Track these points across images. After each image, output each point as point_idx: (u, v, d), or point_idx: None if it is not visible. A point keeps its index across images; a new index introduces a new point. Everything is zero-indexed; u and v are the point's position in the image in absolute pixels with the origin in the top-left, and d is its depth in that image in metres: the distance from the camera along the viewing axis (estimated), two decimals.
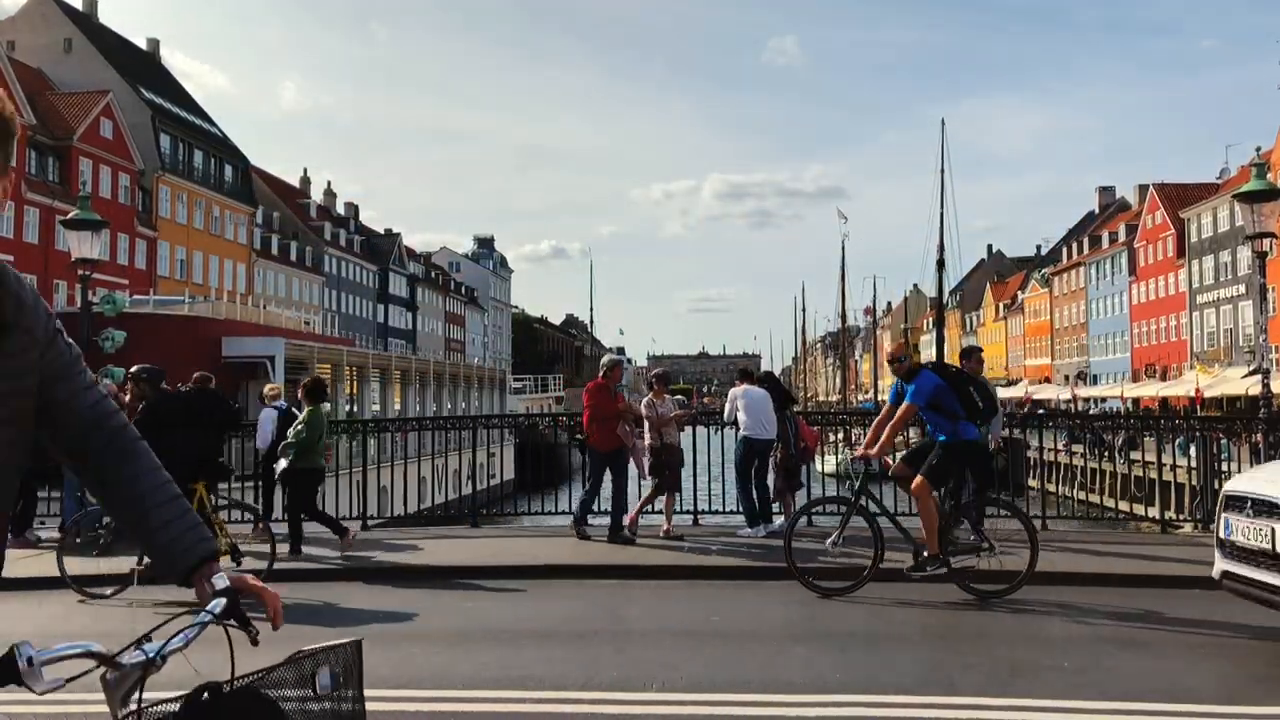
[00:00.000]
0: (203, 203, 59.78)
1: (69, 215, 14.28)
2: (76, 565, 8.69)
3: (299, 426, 10.44)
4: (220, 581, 1.94)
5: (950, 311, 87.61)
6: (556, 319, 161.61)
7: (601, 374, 10.99)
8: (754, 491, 10.90)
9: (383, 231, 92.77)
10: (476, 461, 13.31)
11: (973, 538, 8.09)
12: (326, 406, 11.22)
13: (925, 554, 7.93)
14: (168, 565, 1.94)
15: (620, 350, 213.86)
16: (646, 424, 10.82)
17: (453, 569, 9.48)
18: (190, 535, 1.94)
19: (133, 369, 11.08)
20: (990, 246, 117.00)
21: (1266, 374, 13.67)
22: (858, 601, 7.81)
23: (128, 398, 13.64)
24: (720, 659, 6.26)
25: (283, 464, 10.49)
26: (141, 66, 61.52)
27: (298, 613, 8.02)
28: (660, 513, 10.98)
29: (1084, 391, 60.03)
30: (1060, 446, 29.74)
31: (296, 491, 10.46)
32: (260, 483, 13.27)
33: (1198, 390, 41.84)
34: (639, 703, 5.27)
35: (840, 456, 25.09)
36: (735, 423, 11.20)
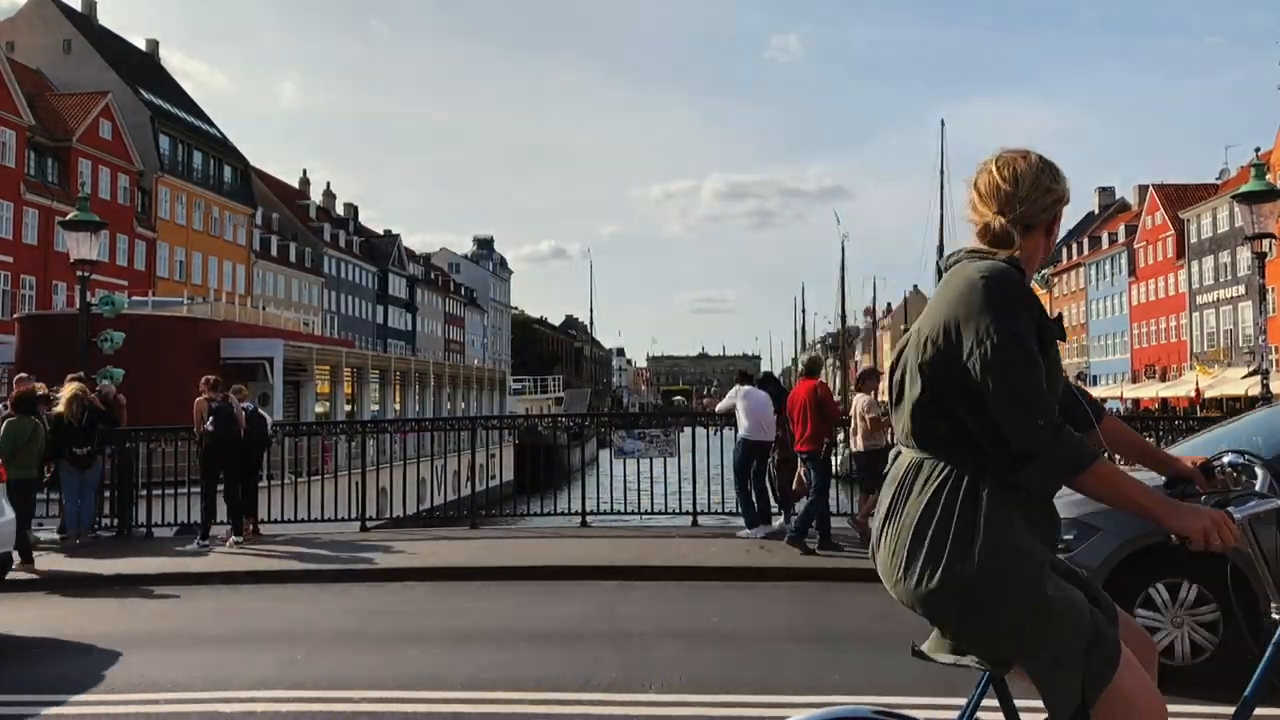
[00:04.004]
0: (202, 204, 59.77)
1: (68, 216, 14.27)
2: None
3: None
4: None
5: None
6: (556, 320, 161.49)
7: (815, 372, 10.51)
8: (753, 493, 10.88)
9: (382, 232, 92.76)
10: (476, 463, 13.31)
11: None
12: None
13: None
14: None
15: (620, 351, 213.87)
16: (865, 425, 10.46)
17: (452, 570, 9.48)
18: None
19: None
20: None
21: (1266, 374, 13.65)
22: (858, 603, 7.83)
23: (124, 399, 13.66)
24: (720, 659, 6.25)
25: None
26: (141, 67, 61.52)
27: (283, 614, 8.00)
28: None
29: None
30: None
31: None
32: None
33: (1197, 390, 41.86)
34: (638, 704, 5.27)
35: (839, 458, 25.09)
36: (734, 424, 11.20)
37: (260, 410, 12.24)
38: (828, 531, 9.93)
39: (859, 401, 10.69)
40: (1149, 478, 2.57)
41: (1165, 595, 5.56)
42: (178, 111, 60.90)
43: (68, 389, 11.62)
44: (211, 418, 11.16)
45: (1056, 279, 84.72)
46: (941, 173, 52.10)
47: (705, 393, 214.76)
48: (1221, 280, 56.93)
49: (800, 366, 10.74)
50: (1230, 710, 2.47)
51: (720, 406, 11.59)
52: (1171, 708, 2.35)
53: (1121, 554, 5.50)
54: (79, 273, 13.71)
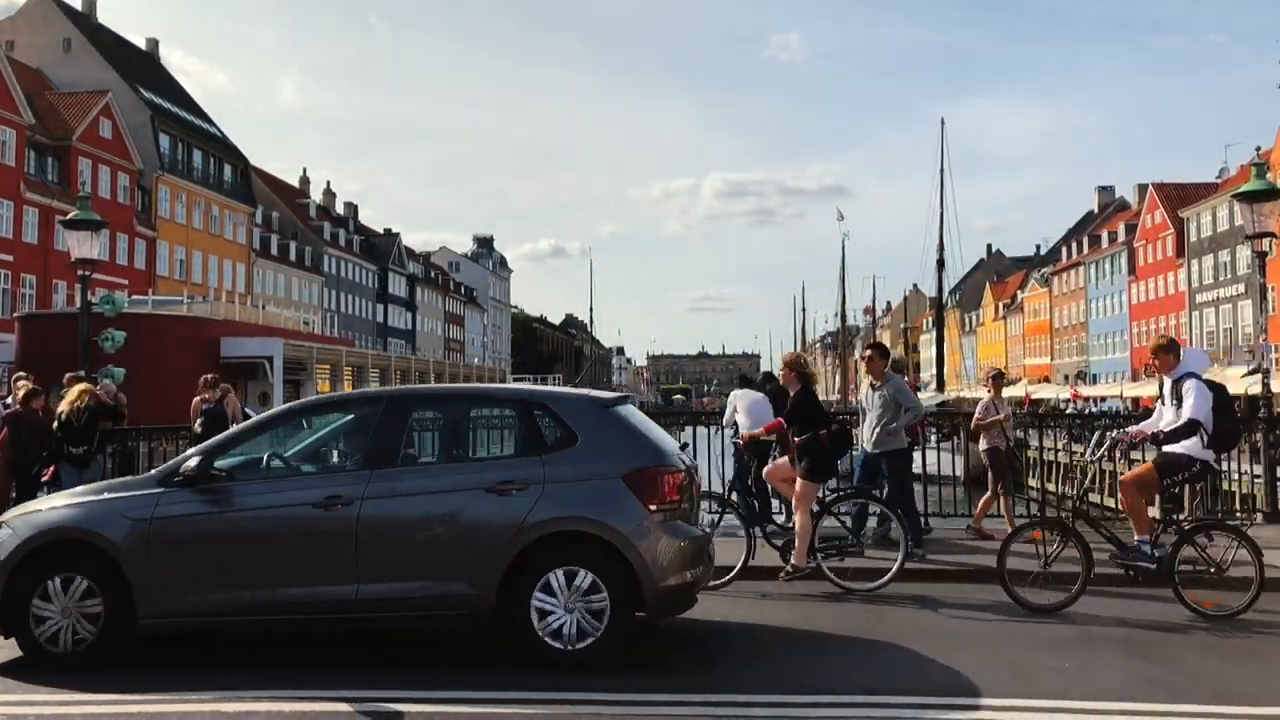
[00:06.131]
0: (202, 203, 59.79)
1: (68, 215, 14.28)
2: None
3: None
4: None
5: (950, 311, 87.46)
6: (556, 319, 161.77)
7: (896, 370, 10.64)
8: (752, 492, 10.86)
9: (382, 231, 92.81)
10: None
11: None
12: None
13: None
14: None
15: (620, 350, 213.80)
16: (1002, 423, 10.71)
17: None
18: None
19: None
20: (990, 246, 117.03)
21: (1266, 374, 13.65)
22: (855, 603, 7.84)
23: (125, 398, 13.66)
24: (728, 659, 6.26)
25: None
26: (141, 66, 61.53)
27: None
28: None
29: (1084, 391, 60.02)
30: (1060, 446, 29.70)
31: None
32: None
33: None
34: (642, 704, 5.28)
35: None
36: (734, 424, 11.23)
37: (247, 410, 12.24)
38: (919, 533, 9.54)
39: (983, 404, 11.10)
40: None
41: (59, 586, 6.09)
42: (178, 110, 60.91)
43: (74, 389, 11.59)
44: (202, 419, 11.17)
45: (1056, 278, 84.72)
46: (942, 172, 51.93)
47: (705, 391, 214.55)
48: (1221, 279, 56.95)
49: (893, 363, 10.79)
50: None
51: (726, 419, 11.74)
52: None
53: (20, 554, 6.11)
54: (80, 272, 13.72)
